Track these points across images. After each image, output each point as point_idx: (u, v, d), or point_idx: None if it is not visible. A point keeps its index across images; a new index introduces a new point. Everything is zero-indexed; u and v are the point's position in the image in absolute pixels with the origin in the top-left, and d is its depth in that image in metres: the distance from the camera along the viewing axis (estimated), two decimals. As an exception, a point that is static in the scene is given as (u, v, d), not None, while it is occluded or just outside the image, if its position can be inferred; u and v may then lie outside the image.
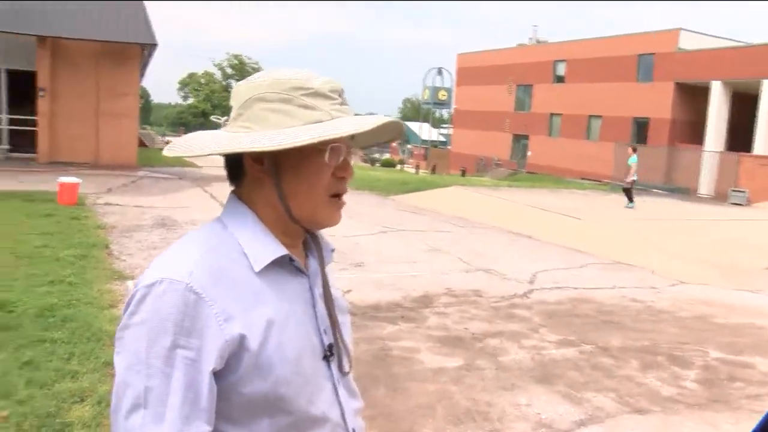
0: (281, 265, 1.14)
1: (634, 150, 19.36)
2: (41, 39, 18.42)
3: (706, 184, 27.51)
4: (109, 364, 4.33)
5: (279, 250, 1.13)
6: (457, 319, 6.60)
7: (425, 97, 54.60)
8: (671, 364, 5.68)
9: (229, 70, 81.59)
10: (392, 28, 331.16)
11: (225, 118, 1.21)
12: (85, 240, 8.71)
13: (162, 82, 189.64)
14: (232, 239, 1.11)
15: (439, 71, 53.00)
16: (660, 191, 26.81)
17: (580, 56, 37.59)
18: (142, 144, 26.60)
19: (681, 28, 32.00)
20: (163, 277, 1.03)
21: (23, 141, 19.33)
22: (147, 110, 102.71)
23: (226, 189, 1.19)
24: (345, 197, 1.20)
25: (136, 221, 10.66)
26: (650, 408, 4.71)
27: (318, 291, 1.21)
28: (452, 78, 51.75)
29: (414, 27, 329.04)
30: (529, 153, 40.91)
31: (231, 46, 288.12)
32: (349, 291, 7.08)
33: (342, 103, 1.14)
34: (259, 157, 1.11)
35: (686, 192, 26.98)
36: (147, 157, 22.22)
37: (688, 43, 31.43)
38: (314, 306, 1.19)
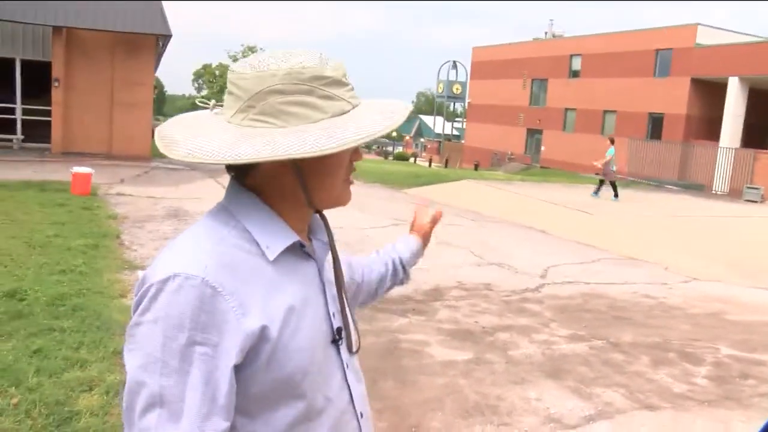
0: (292, 251, 1.13)
1: (612, 141, 19.29)
2: (56, 29, 18.53)
3: (720, 180, 27.21)
4: (118, 353, 4.34)
5: (291, 237, 1.12)
6: (467, 313, 6.58)
7: (440, 91, 54.41)
8: (682, 361, 5.62)
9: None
10: (409, 23, 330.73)
11: (213, 101, 1.18)
12: (96, 230, 8.77)
13: (176, 72, 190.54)
14: (241, 227, 1.09)
15: (454, 65, 52.73)
16: (674, 187, 26.59)
17: (596, 51, 37.25)
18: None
19: (699, 23, 31.69)
20: (176, 272, 0.99)
21: (37, 131, 19.48)
22: (161, 101, 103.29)
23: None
24: (356, 190, 1.22)
25: (148, 212, 10.71)
26: (660, 404, 4.66)
27: (326, 275, 1.21)
28: (467, 72, 51.55)
29: (431, 22, 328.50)
30: (543, 148, 40.74)
31: (246, 38, 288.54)
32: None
33: (352, 87, 1.13)
34: None
35: (700, 188, 26.70)
36: (160, 147, 22.24)
37: (705, 38, 31.10)
38: (324, 290, 1.19)
